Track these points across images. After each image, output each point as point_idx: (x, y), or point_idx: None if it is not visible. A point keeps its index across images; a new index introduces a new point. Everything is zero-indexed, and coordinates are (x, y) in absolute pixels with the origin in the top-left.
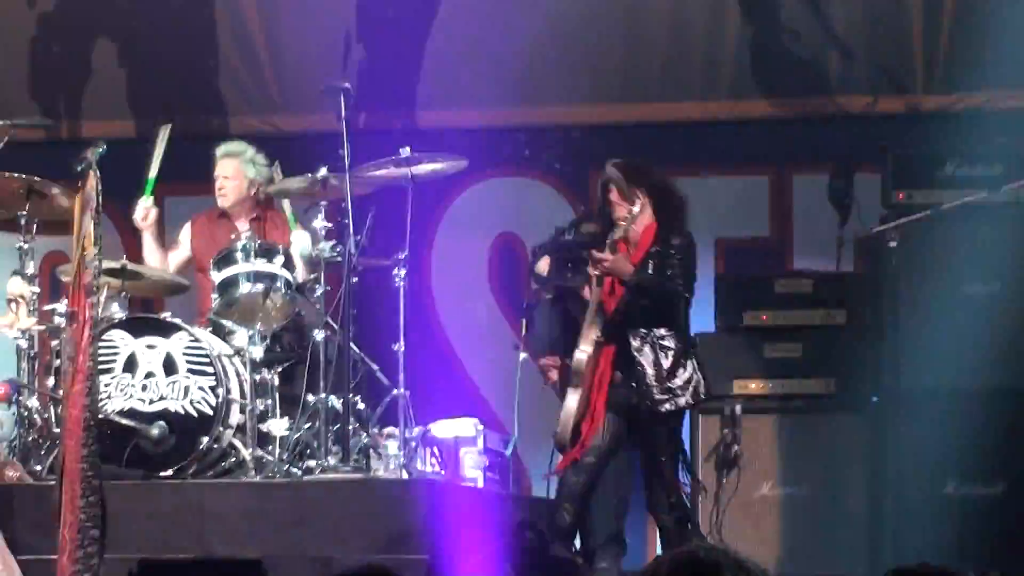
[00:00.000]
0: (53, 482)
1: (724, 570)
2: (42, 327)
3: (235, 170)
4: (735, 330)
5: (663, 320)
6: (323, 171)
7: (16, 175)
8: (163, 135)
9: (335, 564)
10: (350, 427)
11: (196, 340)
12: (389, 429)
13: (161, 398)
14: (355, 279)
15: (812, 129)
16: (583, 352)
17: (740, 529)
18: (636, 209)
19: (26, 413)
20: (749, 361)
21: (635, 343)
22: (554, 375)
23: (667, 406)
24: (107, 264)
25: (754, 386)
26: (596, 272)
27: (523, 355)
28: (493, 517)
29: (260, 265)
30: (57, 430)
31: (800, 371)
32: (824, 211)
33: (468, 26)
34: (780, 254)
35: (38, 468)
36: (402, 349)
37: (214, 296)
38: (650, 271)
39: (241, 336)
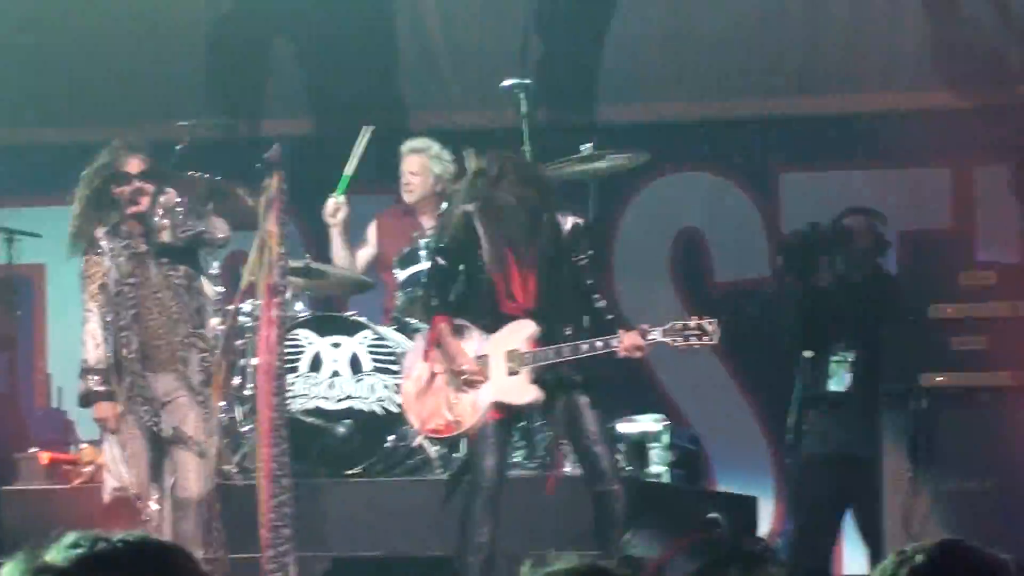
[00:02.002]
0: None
1: None
2: (225, 327)
3: (421, 166)
4: (920, 323)
5: None
6: None
7: (200, 175)
8: (364, 135)
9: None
10: (535, 424)
11: (381, 338)
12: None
13: (347, 396)
14: None
15: (994, 120)
16: None
17: (928, 523)
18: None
19: None
20: (934, 354)
21: None
22: None
23: None
24: (292, 264)
25: (940, 379)
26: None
27: None
28: (680, 512)
29: None
30: (244, 429)
31: (986, 363)
32: (1007, 202)
33: (647, 21)
34: (963, 246)
35: (225, 468)
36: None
37: (397, 294)
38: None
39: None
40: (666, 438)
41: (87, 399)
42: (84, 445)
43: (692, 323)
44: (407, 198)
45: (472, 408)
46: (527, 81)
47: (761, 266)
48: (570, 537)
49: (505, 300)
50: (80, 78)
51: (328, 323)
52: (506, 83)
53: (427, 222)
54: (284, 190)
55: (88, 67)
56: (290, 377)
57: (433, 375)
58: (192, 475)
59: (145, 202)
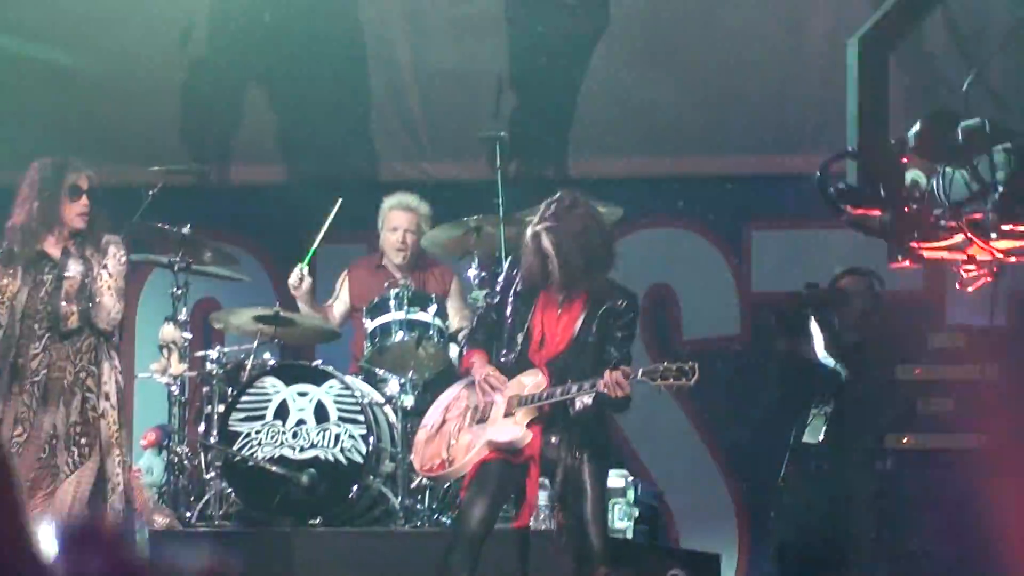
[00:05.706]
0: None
1: None
2: (193, 373)
3: (413, 224)
4: (887, 384)
5: None
6: (476, 219)
7: (167, 226)
8: (334, 208)
9: None
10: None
11: (347, 388)
12: (540, 479)
13: (312, 445)
14: None
15: None
16: None
17: None
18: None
19: (176, 459)
20: (901, 415)
21: None
22: None
23: None
24: (261, 311)
25: (906, 440)
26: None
27: None
28: (641, 568)
29: (413, 314)
30: (207, 476)
31: (952, 426)
32: None
33: (621, 76)
34: (934, 308)
35: (188, 514)
36: None
37: (366, 344)
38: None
39: (393, 384)
40: (631, 494)
41: None
42: None
43: (673, 365)
44: (399, 258)
45: (466, 448)
46: (501, 133)
47: (730, 324)
48: None
49: (535, 348)
50: (50, 121)
51: (295, 371)
52: (481, 135)
53: (400, 273)
54: None
55: (58, 109)
56: (255, 425)
57: (444, 421)
58: None
59: (85, 222)
